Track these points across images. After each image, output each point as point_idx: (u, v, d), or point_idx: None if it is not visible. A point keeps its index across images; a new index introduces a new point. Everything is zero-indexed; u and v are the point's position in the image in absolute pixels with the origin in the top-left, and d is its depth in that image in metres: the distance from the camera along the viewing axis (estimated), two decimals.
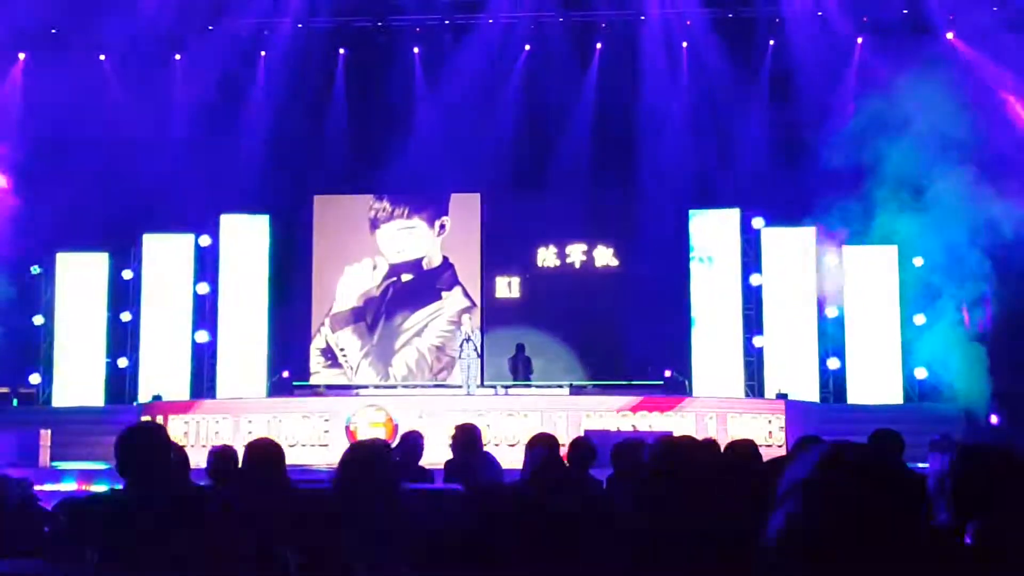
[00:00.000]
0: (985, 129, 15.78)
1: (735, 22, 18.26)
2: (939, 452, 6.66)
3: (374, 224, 19.69)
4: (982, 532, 2.72)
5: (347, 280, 19.58)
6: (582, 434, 13.23)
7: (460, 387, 16.56)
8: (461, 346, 16.32)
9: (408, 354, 19.43)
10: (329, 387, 18.81)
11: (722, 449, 6.05)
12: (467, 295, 19.47)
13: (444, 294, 19.52)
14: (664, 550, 3.44)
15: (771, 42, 18.43)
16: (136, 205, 17.68)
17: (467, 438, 7.13)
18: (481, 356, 16.61)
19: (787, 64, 17.97)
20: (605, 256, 19.50)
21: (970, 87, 16.22)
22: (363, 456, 4.53)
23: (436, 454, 7.71)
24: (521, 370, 17.83)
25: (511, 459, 8.45)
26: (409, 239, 19.64)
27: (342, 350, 19.46)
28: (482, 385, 17.13)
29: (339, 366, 19.48)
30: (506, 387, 17.47)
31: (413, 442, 6.99)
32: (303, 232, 19.57)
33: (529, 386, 17.74)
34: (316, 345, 19.53)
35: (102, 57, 18.69)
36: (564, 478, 5.50)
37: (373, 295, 19.56)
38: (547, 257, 19.56)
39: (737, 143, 17.61)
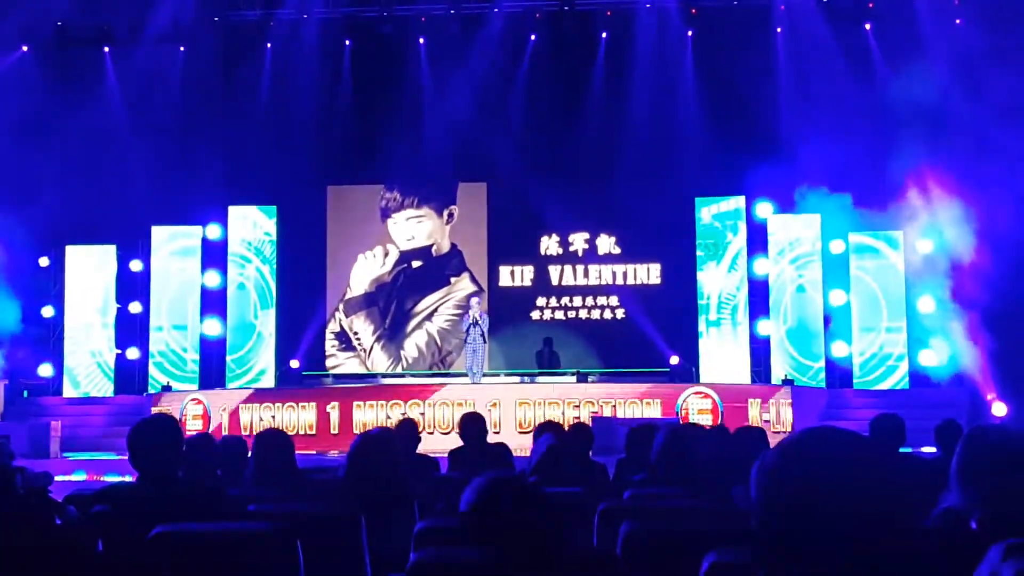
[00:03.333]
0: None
1: (740, 9, 18.22)
2: (944, 437, 6.72)
3: (385, 213, 19.89)
4: (988, 517, 2.73)
5: (360, 267, 19.81)
6: (589, 421, 13.42)
7: (465, 374, 16.62)
8: (468, 331, 16.38)
9: (419, 337, 19.66)
10: (337, 377, 18.91)
11: (730, 435, 6.10)
12: (475, 280, 19.66)
13: (453, 279, 19.74)
14: (673, 536, 3.47)
15: (778, 29, 18.39)
16: (144, 197, 17.74)
17: (473, 426, 7.16)
18: (486, 342, 16.66)
19: (795, 50, 17.93)
20: (608, 244, 19.55)
21: None
22: (376, 439, 4.58)
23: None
24: (548, 364, 17.98)
25: (515, 445, 8.49)
26: (419, 227, 19.85)
27: (355, 334, 19.69)
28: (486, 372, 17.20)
29: (353, 349, 19.69)
30: (529, 375, 17.73)
31: (408, 430, 6.93)
32: (311, 222, 19.62)
33: (537, 374, 17.83)
34: (331, 329, 19.79)
35: (106, 48, 18.74)
36: (571, 465, 5.55)
37: (385, 281, 19.79)
38: (550, 246, 19.65)
39: (745, 130, 17.57)
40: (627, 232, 19.38)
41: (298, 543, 3.38)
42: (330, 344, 19.76)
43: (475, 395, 15.10)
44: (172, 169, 17.60)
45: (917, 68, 16.34)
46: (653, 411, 14.87)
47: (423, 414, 14.76)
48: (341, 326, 19.78)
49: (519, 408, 15.04)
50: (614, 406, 14.89)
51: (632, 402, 15.10)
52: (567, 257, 19.65)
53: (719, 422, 14.12)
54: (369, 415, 15.03)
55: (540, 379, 17.46)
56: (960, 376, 16.59)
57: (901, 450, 6.69)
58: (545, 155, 18.84)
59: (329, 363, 19.62)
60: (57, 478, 11.08)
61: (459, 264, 19.81)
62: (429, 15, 18.79)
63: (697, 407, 15.01)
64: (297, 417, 15.29)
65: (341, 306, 19.78)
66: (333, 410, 15.22)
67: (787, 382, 16.73)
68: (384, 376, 18.91)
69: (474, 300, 17.24)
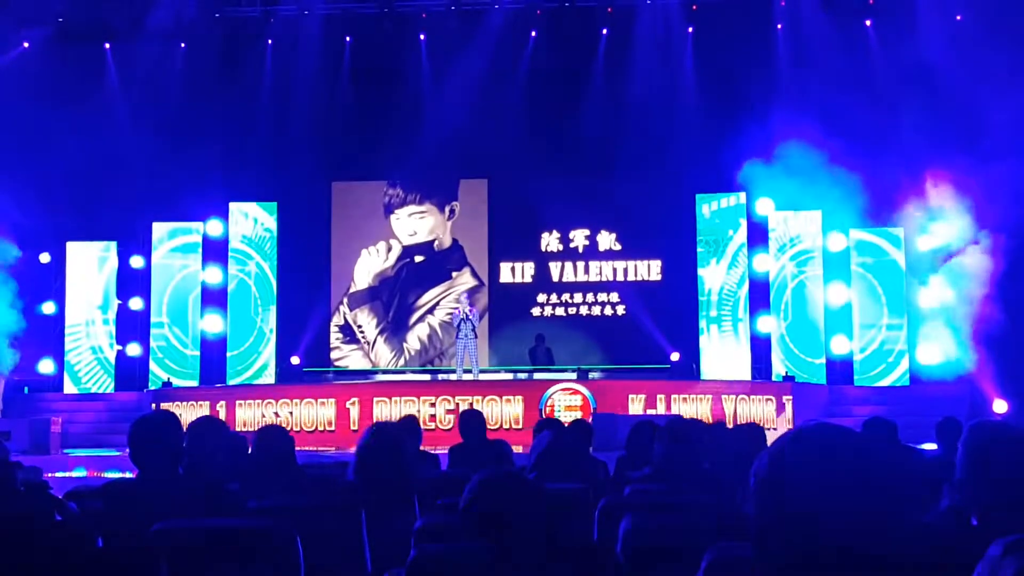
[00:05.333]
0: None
1: (741, 5, 18.19)
2: (944, 434, 6.72)
3: (388, 209, 20.04)
4: (990, 513, 2.73)
5: (363, 262, 19.97)
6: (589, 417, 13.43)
7: (457, 371, 16.65)
8: (459, 327, 16.40)
9: (421, 330, 19.82)
10: (337, 373, 18.94)
11: (728, 432, 6.09)
12: (476, 275, 19.73)
13: (454, 273, 19.84)
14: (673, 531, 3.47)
15: (779, 26, 18.37)
16: (145, 193, 17.75)
17: (472, 423, 7.16)
18: (477, 336, 16.68)
19: (795, 46, 17.91)
20: (608, 241, 19.57)
21: None
22: (385, 430, 4.59)
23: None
24: (542, 361, 17.93)
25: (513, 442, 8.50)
26: (421, 223, 20.00)
27: (359, 327, 19.79)
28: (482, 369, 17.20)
29: (357, 342, 19.80)
30: (527, 371, 17.72)
31: (411, 427, 6.93)
32: (312, 218, 19.64)
33: (537, 370, 17.82)
34: (335, 322, 19.92)
35: (107, 45, 18.74)
36: (571, 461, 5.55)
37: (388, 275, 19.94)
38: (550, 242, 19.68)
39: (745, 126, 17.55)
40: (628, 228, 19.40)
41: (298, 539, 3.38)
42: (335, 337, 19.89)
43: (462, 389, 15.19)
44: (173, 165, 17.60)
45: (918, 63, 16.32)
46: (515, 408, 14.90)
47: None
48: (345, 319, 19.87)
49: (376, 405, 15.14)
50: (470, 403, 14.85)
51: (492, 399, 15.13)
52: (568, 253, 19.67)
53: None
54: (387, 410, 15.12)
55: (537, 376, 17.46)
56: (960, 373, 16.59)
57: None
58: (546, 151, 18.82)
59: (334, 355, 19.78)
60: (57, 474, 11.10)
61: (460, 259, 19.90)
62: (430, 11, 18.77)
63: (564, 404, 14.95)
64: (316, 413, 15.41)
65: (345, 300, 19.89)
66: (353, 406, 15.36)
67: (788, 379, 16.75)
68: (384, 372, 18.95)
69: (463, 296, 17.23)
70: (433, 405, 15.09)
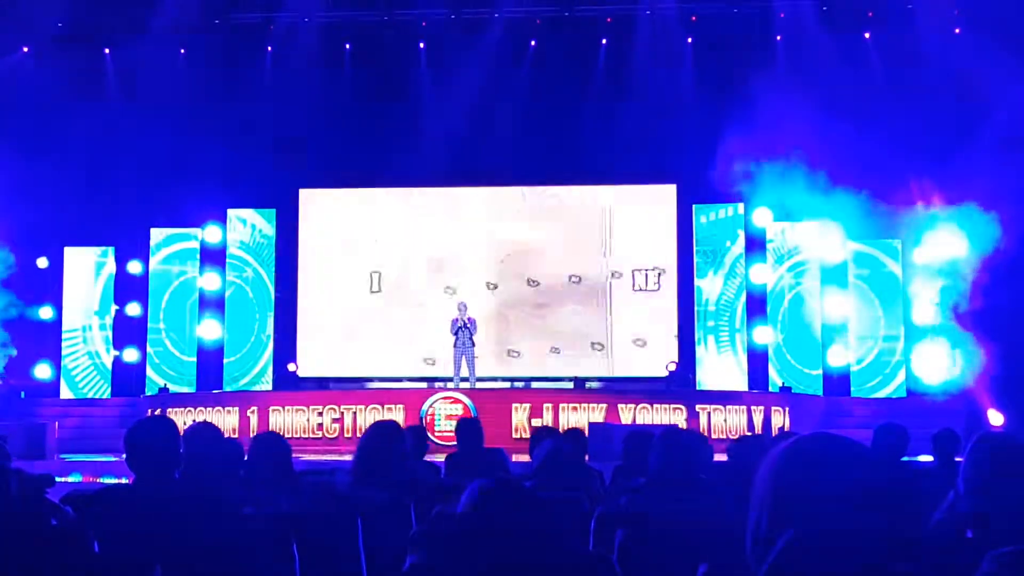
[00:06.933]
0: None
1: (740, 16, 18.23)
2: (941, 446, 6.73)
3: (386, 215, 19.77)
4: (990, 523, 2.73)
5: (362, 268, 19.62)
6: (585, 428, 13.43)
7: (454, 379, 16.62)
8: (456, 334, 16.37)
9: (421, 336, 19.40)
10: (336, 380, 18.88)
11: (731, 443, 6.10)
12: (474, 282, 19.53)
13: (453, 281, 19.51)
14: (665, 544, 3.47)
15: (778, 37, 18.40)
16: (143, 199, 17.75)
17: (469, 431, 7.16)
18: (475, 344, 16.65)
19: (794, 58, 17.94)
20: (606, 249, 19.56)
21: None
22: (386, 428, 4.60)
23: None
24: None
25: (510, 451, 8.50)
26: (419, 230, 19.71)
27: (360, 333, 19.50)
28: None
29: (355, 348, 19.45)
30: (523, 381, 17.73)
31: (417, 437, 6.95)
32: (309, 225, 19.58)
33: (532, 380, 17.83)
34: (335, 328, 19.49)
35: (106, 50, 18.76)
36: (568, 471, 5.54)
37: (388, 282, 19.56)
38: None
39: (744, 137, 17.56)
40: (625, 238, 19.34)
41: (294, 546, 3.38)
42: (333, 343, 19.60)
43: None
44: (171, 171, 17.61)
45: (916, 76, 16.36)
46: (396, 416, 14.95)
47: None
48: (346, 326, 19.63)
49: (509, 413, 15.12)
50: (354, 413, 15.17)
51: (374, 408, 15.34)
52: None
53: None
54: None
55: (535, 385, 17.46)
56: (957, 385, 16.59)
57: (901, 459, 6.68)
58: (544, 160, 18.85)
59: (332, 362, 19.48)
60: (54, 479, 11.07)
61: (459, 266, 19.72)
62: (429, 20, 18.78)
63: (445, 413, 14.93)
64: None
65: (344, 306, 19.63)
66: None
67: (785, 390, 16.75)
68: (380, 380, 18.87)
69: (460, 304, 17.18)
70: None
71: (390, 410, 15.19)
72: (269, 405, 15.71)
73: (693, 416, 15.14)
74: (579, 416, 14.87)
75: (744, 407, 15.63)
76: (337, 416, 15.39)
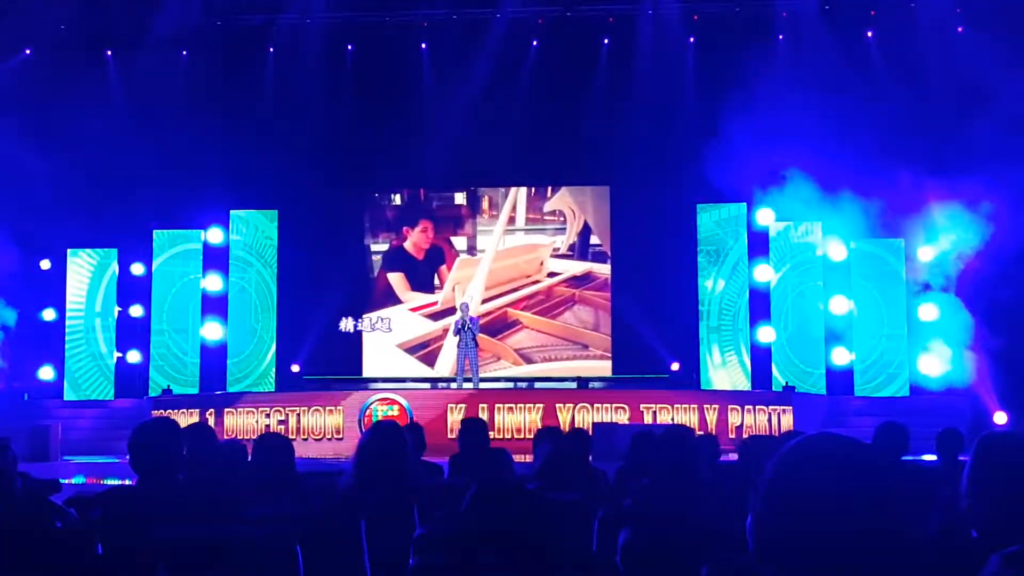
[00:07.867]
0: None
1: (742, 16, 18.21)
2: (944, 445, 6.71)
3: (390, 216, 19.86)
4: (995, 523, 2.73)
5: (368, 269, 19.76)
6: (589, 427, 13.44)
7: (457, 379, 16.64)
8: (458, 333, 16.37)
9: (425, 335, 19.53)
10: (337, 381, 18.88)
11: (739, 443, 6.10)
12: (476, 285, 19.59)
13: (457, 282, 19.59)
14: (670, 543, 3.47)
15: (780, 36, 18.39)
16: (146, 200, 17.75)
17: (473, 432, 7.14)
18: (477, 345, 16.67)
19: (796, 57, 17.92)
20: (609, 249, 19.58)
21: None
22: (386, 429, 4.60)
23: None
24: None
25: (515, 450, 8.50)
26: (422, 231, 19.77)
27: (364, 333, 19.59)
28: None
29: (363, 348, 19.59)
30: (525, 381, 17.74)
31: (415, 436, 6.91)
32: (313, 226, 19.56)
33: (535, 380, 17.84)
34: (341, 328, 19.64)
35: (109, 52, 18.77)
36: (571, 471, 5.54)
37: (392, 282, 19.63)
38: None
39: (746, 136, 17.55)
40: (628, 237, 19.34)
41: (297, 547, 3.38)
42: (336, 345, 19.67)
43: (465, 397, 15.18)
44: (174, 173, 17.61)
45: (919, 74, 16.35)
46: (335, 419, 15.37)
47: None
48: (351, 326, 19.66)
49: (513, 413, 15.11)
50: (298, 415, 15.42)
51: (316, 410, 15.58)
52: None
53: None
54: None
55: (538, 385, 17.46)
56: (961, 385, 16.58)
57: (903, 458, 6.67)
58: (547, 160, 18.85)
59: (333, 363, 19.51)
60: (58, 481, 11.07)
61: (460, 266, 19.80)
62: (431, 20, 18.78)
63: (382, 414, 15.08)
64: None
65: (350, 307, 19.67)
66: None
67: (788, 389, 16.74)
68: (384, 380, 18.89)
69: (462, 304, 17.20)
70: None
71: (331, 412, 15.47)
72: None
73: (701, 415, 15.18)
74: (516, 416, 15.12)
75: (749, 406, 15.64)
76: (282, 418, 15.53)
